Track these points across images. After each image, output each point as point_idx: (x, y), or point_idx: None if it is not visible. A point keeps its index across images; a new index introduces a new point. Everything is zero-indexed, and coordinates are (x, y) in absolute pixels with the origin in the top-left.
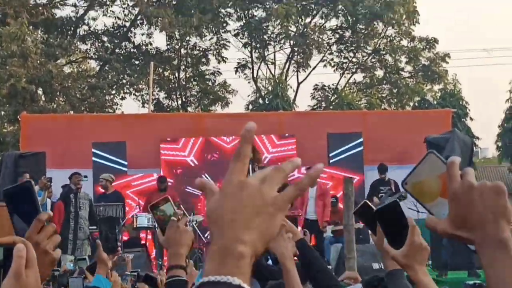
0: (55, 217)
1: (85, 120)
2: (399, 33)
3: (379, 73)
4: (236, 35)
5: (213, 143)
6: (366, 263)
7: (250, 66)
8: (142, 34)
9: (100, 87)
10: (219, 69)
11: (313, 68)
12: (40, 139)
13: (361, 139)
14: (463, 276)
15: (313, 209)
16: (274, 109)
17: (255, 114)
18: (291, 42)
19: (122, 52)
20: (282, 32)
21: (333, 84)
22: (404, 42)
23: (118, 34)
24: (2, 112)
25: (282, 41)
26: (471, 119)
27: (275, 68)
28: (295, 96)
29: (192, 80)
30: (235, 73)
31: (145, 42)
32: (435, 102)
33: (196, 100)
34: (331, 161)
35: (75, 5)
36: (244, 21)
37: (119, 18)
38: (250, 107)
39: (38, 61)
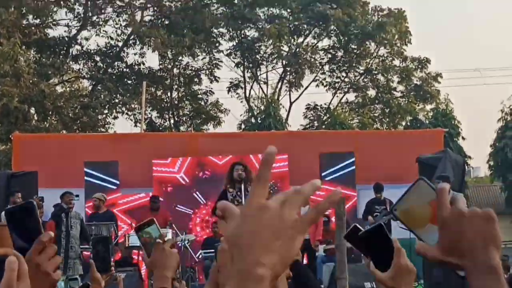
0: None
1: (77, 139)
2: (391, 53)
3: (371, 92)
4: (228, 55)
5: (205, 160)
6: (359, 282)
7: (243, 86)
8: (135, 54)
9: (93, 106)
10: (211, 88)
11: (306, 88)
12: (32, 158)
13: (353, 159)
14: None
15: None
16: (266, 129)
17: (247, 133)
18: (284, 61)
19: (115, 71)
20: (275, 52)
21: (325, 104)
22: (396, 62)
23: (111, 53)
24: None
25: (274, 61)
26: (463, 138)
27: (267, 87)
28: (287, 116)
29: (184, 99)
30: (228, 93)
31: (137, 61)
32: (427, 122)
33: (188, 119)
34: (323, 180)
35: (67, 25)
36: (236, 41)
37: (111, 38)
38: (243, 126)
39: (31, 81)
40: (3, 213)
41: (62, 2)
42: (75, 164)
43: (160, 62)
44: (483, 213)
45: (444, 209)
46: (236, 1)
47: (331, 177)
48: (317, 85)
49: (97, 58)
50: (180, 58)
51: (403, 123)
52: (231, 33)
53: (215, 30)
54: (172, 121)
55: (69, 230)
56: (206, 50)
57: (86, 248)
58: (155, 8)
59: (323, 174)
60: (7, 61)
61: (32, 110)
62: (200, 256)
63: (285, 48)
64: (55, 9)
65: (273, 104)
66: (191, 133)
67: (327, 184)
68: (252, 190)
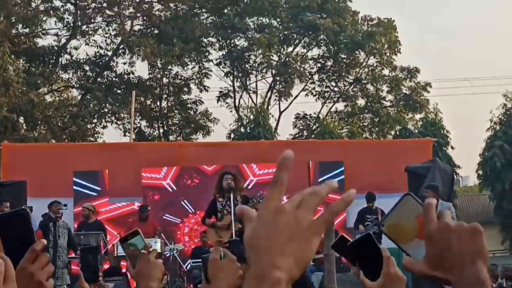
0: None
1: (66, 149)
2: (380, 63)
3: (361, 102)
4: (218, 64)
5: (193, 168)
6: None
7: (232, 95)
8: (124, 63)
9: (82, 116)
10: (201, 98)
11: (295, 97)
12: (21, 168)
13: (342, 168)
14: None
15: None
16: (255, 138)
17: (236, 143)
18: (273, 71)
19: (104, 81)
20: (264, 61)
21: (314, 113)
22: (386, 72)
23: (100, 63)
24: None
25: (264, 70)
26: (452, 148)
27: (257, 97)
28: (276, 125)
29: (173, 109)
30: (217, 102)
31: (127, 71)
32: (416, 131)
33: (177, 128)
34: None
35: (57, 35)
36: (226, 50)
37: (101, 47)
38: (232, 135)
39: (20, 90)
40: None
41: (51, 12)
42: (64, 174)
43: (150, 72)
44: (469, 226)
45: (431, 224)
46: (225, 11)
47: None
48: (307, 95)
49: (87, 68)
50: (169, 67)
51: (392, 133)
52: (221, 43)
53: (205, 40)
54: (161, 130)
55: (57, 239)
56: (195, 59)
57: (74, 258)
58: (145, 18)
59: (312, 183)
60: None
61: (21, 120)
62: (189, 266)
63: (275, 57)
64: (44, 18)
65: (262, 114)
66: (181, 143)
67: None
68: (269, 194)
